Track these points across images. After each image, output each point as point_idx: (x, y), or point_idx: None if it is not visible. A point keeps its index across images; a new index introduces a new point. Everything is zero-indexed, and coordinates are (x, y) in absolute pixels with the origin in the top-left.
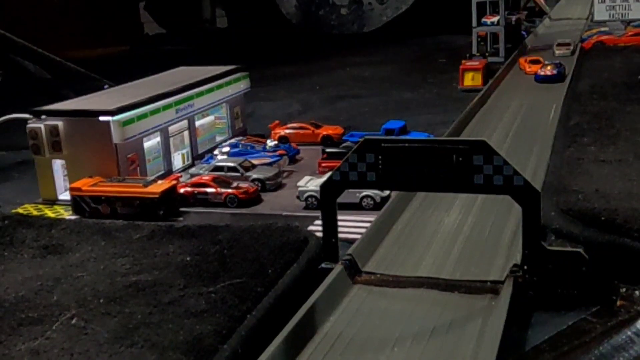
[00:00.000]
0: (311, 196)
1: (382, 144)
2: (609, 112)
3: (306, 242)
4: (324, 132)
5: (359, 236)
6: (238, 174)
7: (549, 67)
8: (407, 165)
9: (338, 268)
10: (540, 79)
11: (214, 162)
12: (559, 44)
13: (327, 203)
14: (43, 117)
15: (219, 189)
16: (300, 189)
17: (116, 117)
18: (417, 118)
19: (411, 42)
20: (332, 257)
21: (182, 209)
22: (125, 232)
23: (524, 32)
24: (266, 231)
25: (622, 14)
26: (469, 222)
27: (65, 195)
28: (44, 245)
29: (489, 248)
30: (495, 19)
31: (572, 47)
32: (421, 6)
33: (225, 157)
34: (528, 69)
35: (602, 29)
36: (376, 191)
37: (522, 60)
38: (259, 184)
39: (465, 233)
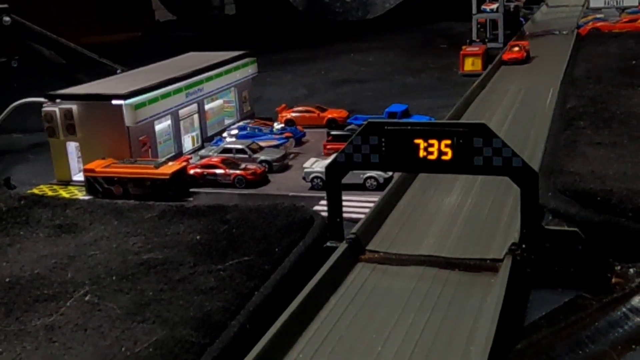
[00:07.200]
0: (316, 177)
1: (385, 127)
2: (604, 96)
3: (312, 222)
4: (329, 116)
5: (362, 216)
6: (246, 156)
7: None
8: (409, 148)
9: (343, 246)
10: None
11: (222, 144)
12: None
13: (332, 184)
14: (58, 100)
15: (227, 170)
16: (306, 170)
17: (128, 101)
18: (419, 102)
19: (413, 28)
20: (337, 235)
21: (192, 190)
22: (137, 212)
23: (522, 19)
24: (273, 211)
25: (617, 1)
26: (468, 203)
27: (79, 177)
28: (59, 224)
29: (488, 227)
30: (494, 6)
31: None
32: None
33: (233, 139)
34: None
35: (598, 15)
36: (379, 172)
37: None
38: (266, 166)
39: (466, 213)
